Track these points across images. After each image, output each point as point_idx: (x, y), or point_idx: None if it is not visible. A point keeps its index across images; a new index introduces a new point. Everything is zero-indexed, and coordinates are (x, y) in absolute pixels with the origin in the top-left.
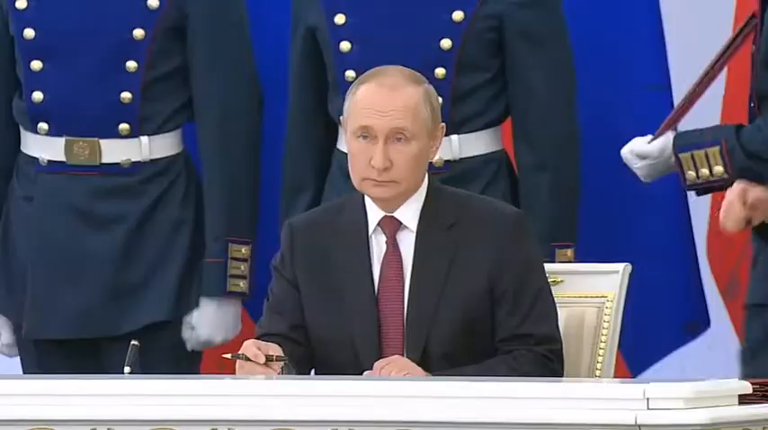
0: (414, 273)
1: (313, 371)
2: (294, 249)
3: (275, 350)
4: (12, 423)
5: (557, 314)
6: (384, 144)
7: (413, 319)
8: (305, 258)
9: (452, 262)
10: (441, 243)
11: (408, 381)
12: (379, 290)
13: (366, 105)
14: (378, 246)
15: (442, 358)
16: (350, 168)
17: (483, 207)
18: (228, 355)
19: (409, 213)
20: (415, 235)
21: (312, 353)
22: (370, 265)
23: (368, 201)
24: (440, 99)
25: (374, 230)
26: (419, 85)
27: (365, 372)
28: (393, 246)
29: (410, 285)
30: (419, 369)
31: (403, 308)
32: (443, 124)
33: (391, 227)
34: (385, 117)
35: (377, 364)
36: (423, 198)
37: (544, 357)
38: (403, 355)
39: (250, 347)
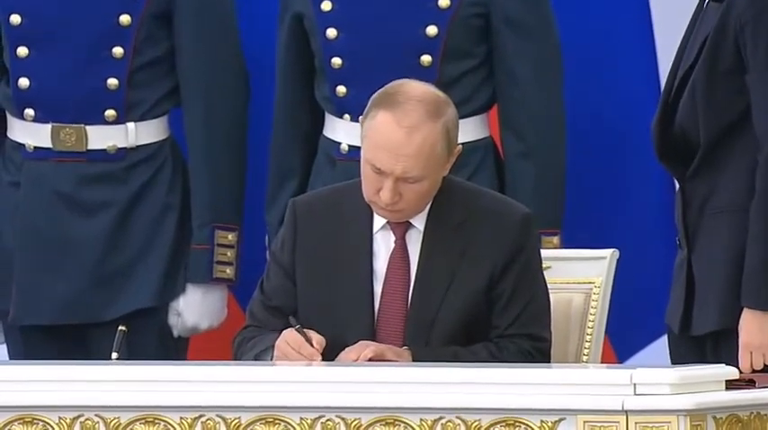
0: (419, 273)
1: None
2: (297, 229)
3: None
4: None
5: (550, 314)
6: (394, 182)
7: (414, 319)
8: (306, 240)
9: (458, 262)
10: (448, 243)
11: (391, 368)
12: (383, 289)
13: (380, 143)
14: (385, 244)
15: None
16: (362, 182)
17: (492, 205)
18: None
19: (419, 214)
20: (422, 234)
21: None
22: (371, 263)
23: None
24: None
25: (382, 227)
26: (438, 120)
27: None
28: (402, 247)
29: (414, 285)
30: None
31: (406, 308)
32: (459, 146)
33: (400, 228)
34: (397, 163)
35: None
36: (432, 196)
37: (528, 352)
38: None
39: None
